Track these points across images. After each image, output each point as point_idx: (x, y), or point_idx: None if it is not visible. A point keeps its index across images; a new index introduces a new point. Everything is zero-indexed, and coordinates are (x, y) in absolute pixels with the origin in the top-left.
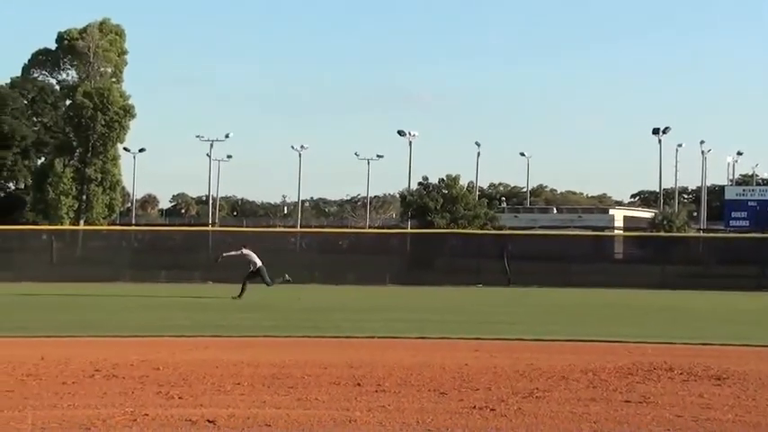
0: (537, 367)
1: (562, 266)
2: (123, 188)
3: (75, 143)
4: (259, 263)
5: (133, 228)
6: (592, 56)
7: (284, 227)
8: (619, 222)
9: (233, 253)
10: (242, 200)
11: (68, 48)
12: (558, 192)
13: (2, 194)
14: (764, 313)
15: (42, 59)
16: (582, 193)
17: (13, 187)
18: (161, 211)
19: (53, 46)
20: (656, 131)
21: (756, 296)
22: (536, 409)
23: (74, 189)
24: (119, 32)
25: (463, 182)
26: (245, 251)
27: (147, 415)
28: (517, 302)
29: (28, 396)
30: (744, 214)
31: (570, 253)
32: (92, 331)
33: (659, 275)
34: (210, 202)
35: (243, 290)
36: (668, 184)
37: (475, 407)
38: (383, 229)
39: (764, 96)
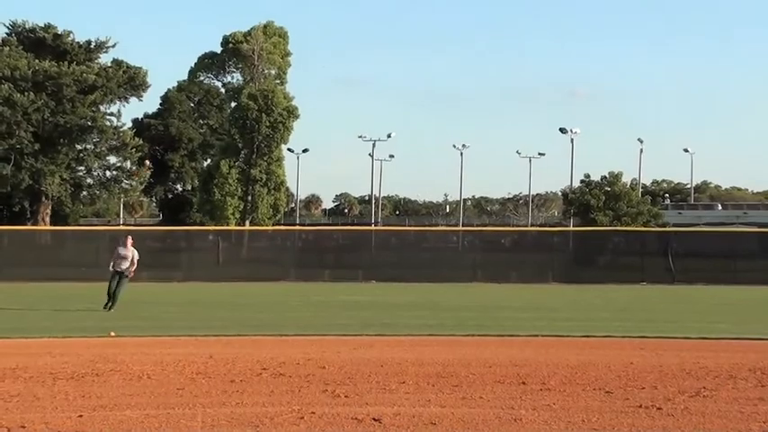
0: (703, 366)
1: (728, 263)
2: (287, 189)
3: (240, 145)
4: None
5: (297, 228)
6: (753, 49)
7: (446, 225)
8: None
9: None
10: (404, 199)
11: (233, 51)
12: (723, 188)
13: (170, 196)
14: None
15: (208, 63)
16: (747, 189)
17: (180, 189)
18: (324, 210)
19: (218, 49)
20: None
21: None
22: (703, 408)
23: (239, 190)
24: (282, 35)
25: (626, 179)
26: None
27: (313, 413)
28: (682, 300)
29: (198, 394)
30: None
31: (736, 250)
32: (258, 330)
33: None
34: (373, 201)
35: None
36: None
37: (641, 406)
38: (545, 227)
39: None
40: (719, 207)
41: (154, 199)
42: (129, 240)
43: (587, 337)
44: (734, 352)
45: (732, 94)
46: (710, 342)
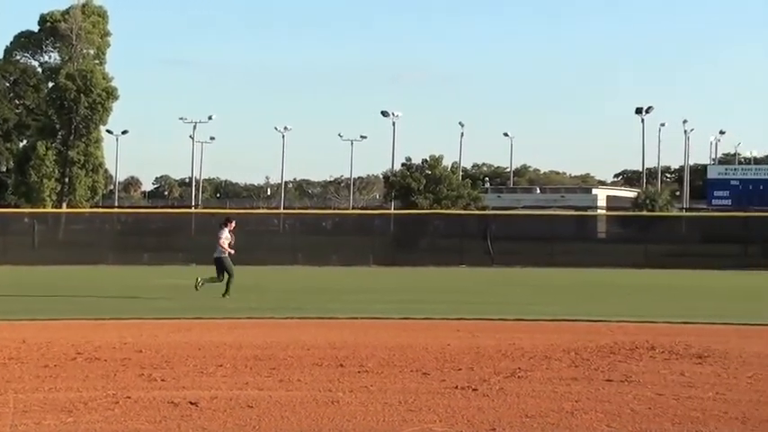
0: (519, 347)
1: (545, 246)
2: (106, 170)
3: (57, 125)
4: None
5: (116, 210)
6: (574, 35)
7: (267, 208)
8: (602, 202)
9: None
10: (225, 181)
11: (51, 30)
12: (542, 172)
13: None
14: (746, 291)
15: (24, 42)
16: (565, 173)
17: None
18: (144, 193)
19: (35, 28)
20: (638, 111)
21: (738, 275)
22: (518, 389)
23: (56, 172)
24: (101, 14)
25: (447, 162)
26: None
27: (129, 397)
28: (500, 282)
29: (10, 379)
30: (726, 193)
31: (553, 233)
32: (74, 314)
33: (642, 255)
34: (193, 183)
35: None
36: (651, 163)
37: (457, 387)
38: (366, 209)
39: (747, 75)
40: (538, 191)
41: None
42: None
43: (406, 319)
44: (549, 333)
45: (551, 80)
46: (527, 323)
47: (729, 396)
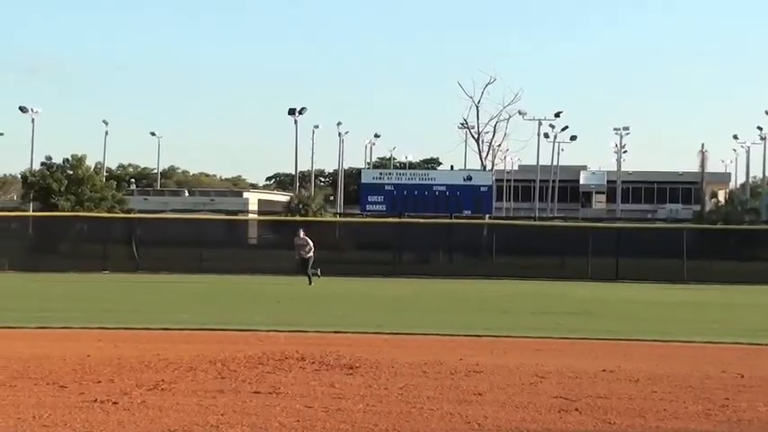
0: (163, 358)
1: (194, 252)
2: None
3: None
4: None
5: None
6: (223, 32)
7: None
8: (253, 206)
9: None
10: None
11: None
12: (191, 173)
13: None
14: (398, 300)
15: None
16: (216, 176)
17: None
18: None
19: None
20: (291, 112)
21: (391, 282)
22: (161, 402)
23: None
24: None
25: (90, 162)
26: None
27: None
28: (145, 289)
29: None
30: (380, 198)
31: (203, 237)
32: None
33: (295, 261)
34: None
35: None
36: (305, 166)
37: (96, 400)
38: (3, 211)
39: (400, 79)
40: (187, 193)
41: None
42: (302, 232)
43: (43, 328)
44: (196, 343)
45: (200, 77)
46: (172, 333)
47: (380, 408)
